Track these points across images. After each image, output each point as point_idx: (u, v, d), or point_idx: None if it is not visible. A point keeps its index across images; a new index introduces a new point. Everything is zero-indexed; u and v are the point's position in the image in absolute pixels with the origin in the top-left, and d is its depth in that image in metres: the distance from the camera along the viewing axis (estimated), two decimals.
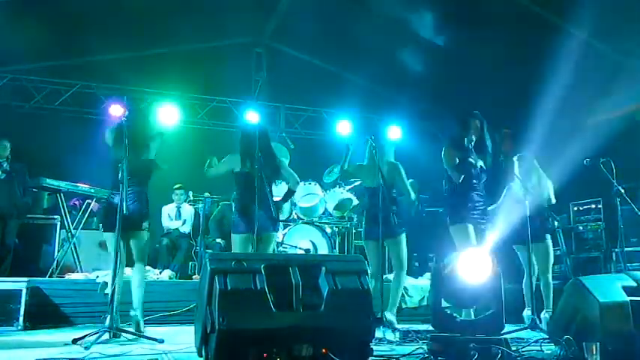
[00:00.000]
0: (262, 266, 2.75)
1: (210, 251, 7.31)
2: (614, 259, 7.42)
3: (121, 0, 7.75)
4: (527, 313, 5.32)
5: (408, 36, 8.69)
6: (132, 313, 4.64)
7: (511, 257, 5.65)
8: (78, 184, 7.45)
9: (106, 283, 5.72)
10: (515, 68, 8.37)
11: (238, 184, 5.10)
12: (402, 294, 6.89)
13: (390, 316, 5.05)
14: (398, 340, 4.44)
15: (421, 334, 4.41)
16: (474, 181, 5.08)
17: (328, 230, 8.03)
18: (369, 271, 3.05)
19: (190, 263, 8.12)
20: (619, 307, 3.09)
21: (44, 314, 5.60)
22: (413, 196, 5.53)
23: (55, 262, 7.04)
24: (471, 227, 4.93)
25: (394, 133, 9.81)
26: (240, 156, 5.07)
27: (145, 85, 9.33)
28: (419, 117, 10.43)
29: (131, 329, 4.48)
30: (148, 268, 5.95)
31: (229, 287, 2.65)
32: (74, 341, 3.97)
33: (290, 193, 5.36)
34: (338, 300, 2.78)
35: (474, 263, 3.31)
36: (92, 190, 7.52)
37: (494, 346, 3.15)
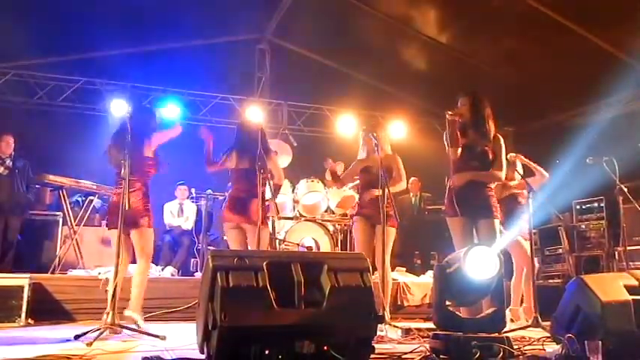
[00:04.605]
0: (264, 263, 2.75)
1: (212, 248, 7.31)
2: (616, 257, 7.41)
3: None
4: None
5: (411, 33, 8.68)
6: (126, 312, 4.60)
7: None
8: (80, 181, 7.46)
9: (108, 280, 5.72)
10: (518, 66, 8.37)
11: (234, 179, 5.26)
12: (405, 291, 6.89)
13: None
14: (400, 337, 4.44)
15: (423, 332, 4.40)
16: (474, 164, 4.47)
17: (330, 228, 8.03)
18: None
19: (192, 260, 8.13)
20: (621, 306, 3.08)
21: (46, 310, 5.59)
22: (404, 184, 5.44)
23: (57, 258, 7.05)
24: (464, 221, 4.38)
25: (397, 130, 9.76)
26: (236, 152, 5.21)
27: (148, 82, 9.33)
28: (422, 114, 10.42)
29: (134, 326, 4.48)
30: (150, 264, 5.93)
31: (231, 284, 2.65)
32: (76, 337, 3.97)
33: (277, 188, 5.43)
34: (340, 297, 2.78)
35: (481, 261, 3.29)
36: (94, 187, 7.53)
37: (496, 344, 3.15)
